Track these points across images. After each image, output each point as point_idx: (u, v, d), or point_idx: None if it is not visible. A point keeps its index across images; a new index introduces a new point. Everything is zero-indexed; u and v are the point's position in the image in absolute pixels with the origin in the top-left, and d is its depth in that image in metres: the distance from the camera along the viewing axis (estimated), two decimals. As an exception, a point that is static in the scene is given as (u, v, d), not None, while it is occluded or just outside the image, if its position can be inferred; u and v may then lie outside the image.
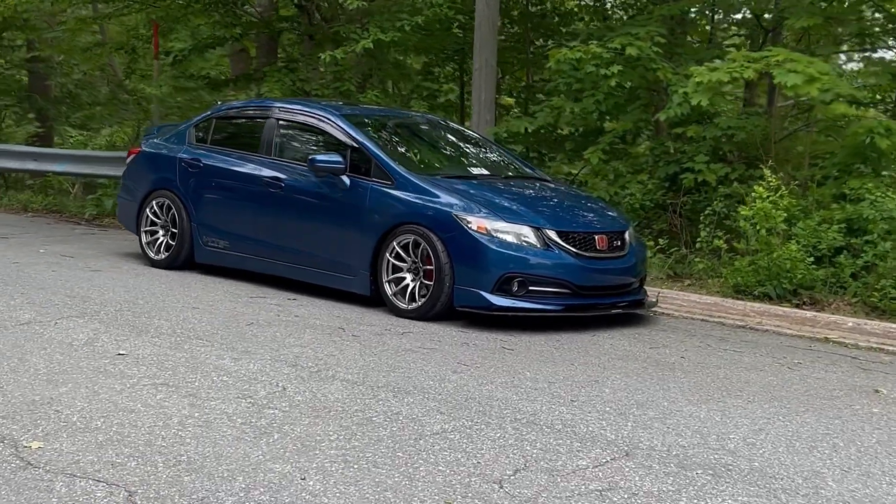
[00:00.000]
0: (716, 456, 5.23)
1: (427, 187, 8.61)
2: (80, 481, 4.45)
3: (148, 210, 10.40)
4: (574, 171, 13.23)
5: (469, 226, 8.22)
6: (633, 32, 11.52)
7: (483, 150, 10.33)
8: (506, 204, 8.54)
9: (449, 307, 8.29)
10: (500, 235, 8.21)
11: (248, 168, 9.72)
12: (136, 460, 4.71)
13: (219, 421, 5.33)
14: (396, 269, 8.58)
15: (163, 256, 10.25)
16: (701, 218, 11.02)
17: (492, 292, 8.12)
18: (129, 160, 10.96)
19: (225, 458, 4.80)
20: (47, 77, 21.87)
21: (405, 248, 8.53)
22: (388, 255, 8.58)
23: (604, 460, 5.05)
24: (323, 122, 9.49)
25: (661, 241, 11.08)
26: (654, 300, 9.41)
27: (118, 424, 5.20)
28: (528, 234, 8.27)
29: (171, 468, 4.64)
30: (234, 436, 5.12)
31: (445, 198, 8.49)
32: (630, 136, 12.97)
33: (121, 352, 6.68)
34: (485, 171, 9.67)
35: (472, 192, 8.65)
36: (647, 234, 11.61)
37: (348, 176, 8.97)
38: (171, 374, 6.18)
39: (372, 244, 8.66)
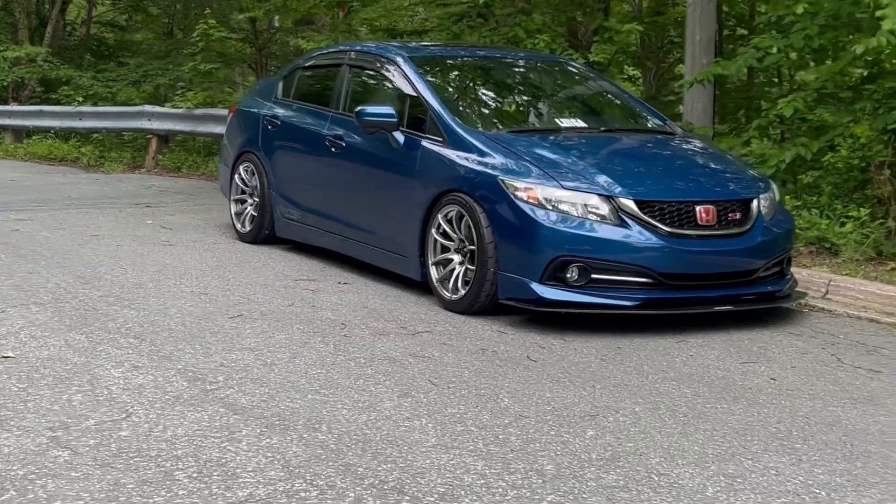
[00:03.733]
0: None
1: (477, 144, 6.75)
2: None
3: (236, 177, 9.13)
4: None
5: (516, 193, 6.32)
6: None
7: (602, 98, 8.25)
8: (576, 165, 6.54)
9: (496, 299, 6.43)
10: (558, 206, 6.26)
11: (315, 125, 8.22)
12: None
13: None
14: (444, 249, 6.80)
15: (248, 229, 8.96)
16: (911, 181, 8.42)
17: (541, 282, 6.19)
18: (228, 120, 9.71)
19: None
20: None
21: (451, 222, 6.73)
22: (433, 230, 6.81)
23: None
24: (387, 65, 7.81)
25: (862, 210, 8.54)
26: (802, 291, 7.08)
27: None
28: (596, 205, 6.26)
29: None
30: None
31: (495, 158, 6.61)
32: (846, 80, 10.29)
33: (7, 354, 5.36)
34: (579, 124, 7.62)
35: (536, 150, 6.71)
36: (854, 202, 9.07)
37: (403, 132, 7.24)
38: (8, 391, 4.79)
39: (420, 217, 6.92)
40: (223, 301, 6.72)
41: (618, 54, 20.34)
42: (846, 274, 7.80)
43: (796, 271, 7.71)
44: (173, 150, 17.40)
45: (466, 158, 6.72)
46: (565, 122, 7.54)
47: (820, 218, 8.71)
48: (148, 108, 17.25)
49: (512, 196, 6.32)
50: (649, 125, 7.79)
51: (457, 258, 6.70)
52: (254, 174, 8.85)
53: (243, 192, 9.07)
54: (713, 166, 7.12)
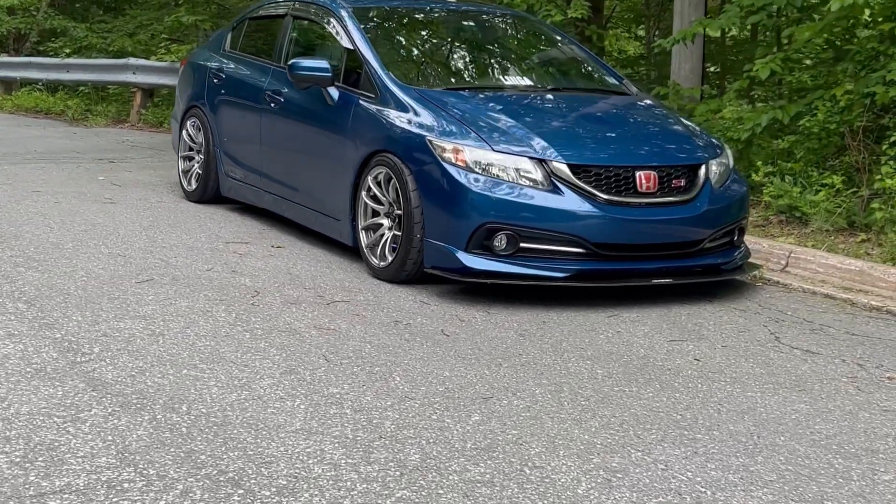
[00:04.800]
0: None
1: (408, 102, 6.34)
2: None
3: (184, 133, 8.74)
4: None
5: (444, 155, 5.93)
6: None
7: (559, 56, 7.80)
8: (512, 126, 6.12)
9: (423, 267, 6.06)
10: (488, 169, 5.86)
11: (256, 79, 7.82)
12: None
13: None
14: (375, 214, 6.42)
15: (194, 188, 8.59)
16: (884, 148, 7.94)
17: (466, 250, 5.81)
18: (179, 73, 9.32)
19: None
20: None
21: (380, 185, 6.34)
22: (363, 193, 6.43)
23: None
24: (329, 16, 7.39)
25: (835, 178, 8.09)
26: (755, 263, 6.68)
27: None
28: (528, 169, 5.86)
29: None
30: None
31: (425, 116, 6.20)
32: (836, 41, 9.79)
33: None
34: (526, 82, 7.20)
35: (470, 109, 6.31)
36: (831, 169, 8.62)
37: (338, 87, 6.83)
38: None
39: (351, 179, 6.54)
40: (139, 264, 6.37)
41: (621, 11, 19.84)
42: (812, 245, 7.38)
43: (758, 241, 7.32)
44: (158, 104, 17.02)
45: (396, 116, 6.33)
46: (511, 80, 7.13)
47: (793, 185, 8.27)
48: (132, 61, 16.87)
49: (439, 158, 5.93)
50: (604, 85, 7.34)
51: (386, 223, 6.33)
52: (200, 130, 8.48)
53: (190, 149, 8.71)
54: (661, 129, 6.69)
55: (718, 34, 15.37)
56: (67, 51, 18.90)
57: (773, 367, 4.95)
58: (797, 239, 7.64)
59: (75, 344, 4.77)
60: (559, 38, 7.92)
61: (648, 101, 7.23)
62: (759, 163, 8.66)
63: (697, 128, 6.92)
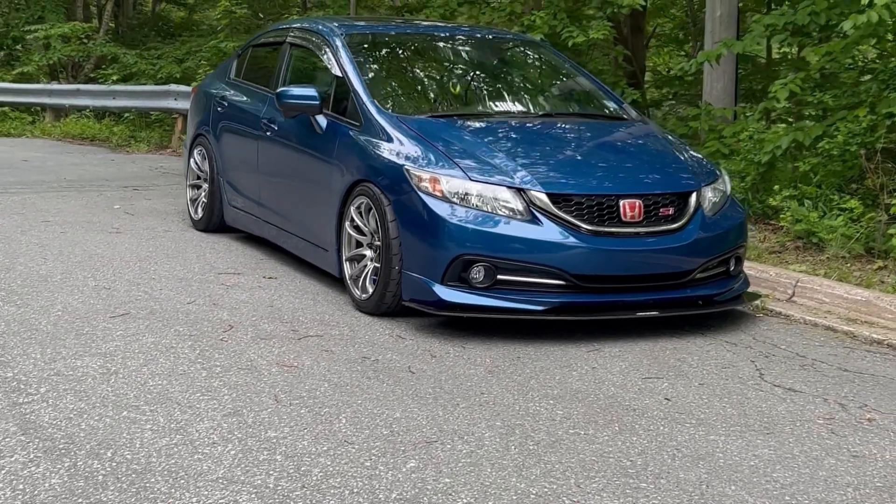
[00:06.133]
0: None
1: (389, 130, 6.20)
2: None
3: (191, 161, 8.69)
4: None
5: (420, 185, 5.77)
6: None
7: (557, 81, 7.61)
8: (493, 155, 5.95)
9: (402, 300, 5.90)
10: (466, 199, 5.68)
11: (254, 107, 7.74)
12: None
13: None
14: (358, 244, 6.27)
15: (200, 216, 8.51)
16: (901, 171, 7.64)
17: (442, 283, 5.63)
18: (190, 101, 9.29)
19: None
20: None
21: (362, 214, 6.21)
22: (347, 223, 6.29)
23: None
24: (322, 44, 7.29)
25: (853, 202, 7.78)
26: (755, 293, 6.41)
27: None
28: (507, 199, 5.67)
29: None
30: None
31: (406, 145, 6.05)
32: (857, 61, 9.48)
33: None
34: (516, 108, 7.02)
35: (452, 137, 6.15)
36: (851, 193, 8.31)
37: (326, 115, 6.72)
38: None
39: (337, 208, 6.41)
40: (121, 297, 6.29)
41: (671, 29, 19.57)
42: (824, 273, 7.09)
43: (766, 269, 7.07)
44: (197, 130, 17.08)
45: (377, 145, 6.19)
46: (501, 107, 6.94)
47: (812, 210, 7.98)
48: (174, 87, 16.98)
49: (416, 187, 5.77)
50: (600, 111, 7.13)
51: (369, 254, 6.18)
52: (205, 158, 8.42)
53: (198, 178, 8.65)
54: (652, 156, 6.45)
55: (764, 52, 15.11)
56: (115, 77, 19.06)
57: (746, 407, 4.70)
58: (811, 266, 7.35)
59: (23, 384, 4.68)
60: (560, 62, 7.71)
61: (645, 127, 6.99)
62: (777, 186, 8.38)
63: (696, 154, 6.67)
